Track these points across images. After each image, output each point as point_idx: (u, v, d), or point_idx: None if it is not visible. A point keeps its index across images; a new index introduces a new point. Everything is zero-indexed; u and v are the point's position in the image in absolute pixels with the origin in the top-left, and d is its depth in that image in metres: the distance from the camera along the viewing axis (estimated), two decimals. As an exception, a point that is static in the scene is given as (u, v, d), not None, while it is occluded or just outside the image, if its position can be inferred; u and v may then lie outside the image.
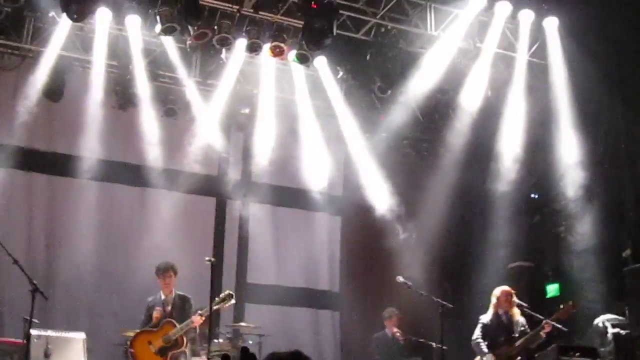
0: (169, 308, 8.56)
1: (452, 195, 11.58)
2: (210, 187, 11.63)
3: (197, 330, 8.50)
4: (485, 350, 8.74)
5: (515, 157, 11.24)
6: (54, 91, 10.42)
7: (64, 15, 9.32)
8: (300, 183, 11.81)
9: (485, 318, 8.89)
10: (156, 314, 8.45)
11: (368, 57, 10.62)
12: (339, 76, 11.26)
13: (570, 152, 10.78)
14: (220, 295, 8.15)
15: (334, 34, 9.51)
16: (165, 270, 8.62)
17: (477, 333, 8.87)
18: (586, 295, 10.04)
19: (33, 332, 8.23)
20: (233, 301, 8.24)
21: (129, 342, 8.53)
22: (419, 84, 11.08)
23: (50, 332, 8.94)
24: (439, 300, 8.80)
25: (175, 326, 8.30)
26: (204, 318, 8.24)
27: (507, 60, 10.90)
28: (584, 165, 10.58)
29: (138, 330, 8.48)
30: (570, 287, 10.84)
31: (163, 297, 8.64)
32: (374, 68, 10.66)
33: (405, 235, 11.36)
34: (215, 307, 8.05)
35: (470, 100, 11.29)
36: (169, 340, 8.27)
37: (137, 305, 9.94)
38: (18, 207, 10.58)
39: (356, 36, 10.47)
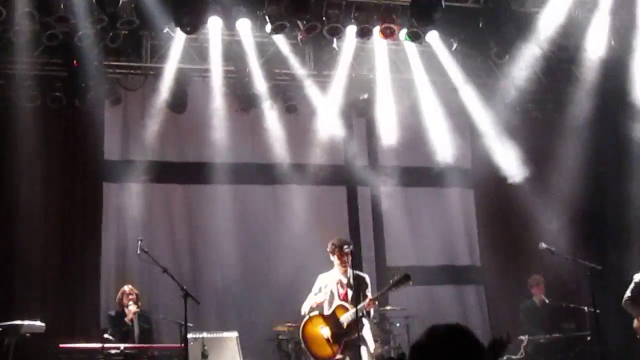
0: (344, 289, 8.20)
1: (585, 153, 11.19)
2: (339, 176, 11.70)
3: (372, 314, 8.19)
4: (637, 308, 8.41)
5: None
6: (178, 103, 10.80)
7: (178, 29, 9.66)
8: (428, 161, 11.69)
9: (639, 276, 8.56)
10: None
11: (481, 24, 10.39)
12: (453, 48, 11.06)
13: None
14: (396, 277, 7.90)
15: (443, 6, 9.38)
16: (345, 243, 8.27)
17: (628, 293, 8.54)
18: None
19: (189, 335, 8.59)
20: (411, 283, 7.86)
21: (300, 328, 8.26)
22: (537, 45, 10.77)
23: (205, 334, 9.30)
24: (586, 262, 8.55)
25: (347, 310, 8.02)
26: (375, 302, 7.98)
27: (628, 4, 10.39)
28: None
29: (311, 314, 8.22)
30: None
31: (338, 276, 8.27)
32: (488, 34, 10.44)
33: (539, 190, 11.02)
34: (392, 290, 7.85)
35: (593, 53, 10.86)
36: (341, 326, 8.02)
37: (284, 299, 10.21)
38: (159, 219, 11.01)
39: (466, 5, 10.28)
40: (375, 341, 8.85)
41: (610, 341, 8.98)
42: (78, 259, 10.32)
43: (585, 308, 9.40)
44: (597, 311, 8.57)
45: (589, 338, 9.66)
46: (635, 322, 8.48)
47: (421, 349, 2.36)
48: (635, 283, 8.55)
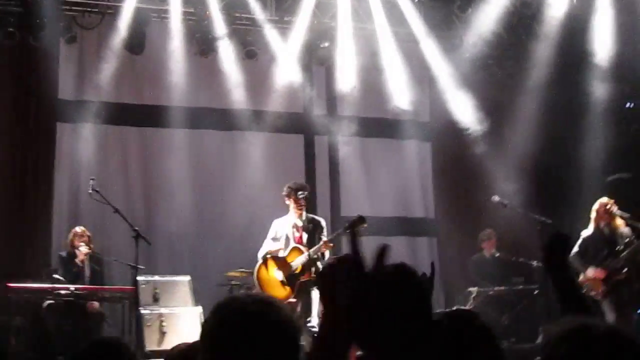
0: (300, 233, 8.26)
1: (542, 111, 11.28)
2: (297, 124, 11.66)
3: (326, 257, 8.19)
4: (584, 264, 8.58)
5: (606, 66, 10.84)
6: (136, 44, 10.57)
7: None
8: (387, 112, 11.70)
9: (586, 232, 8.71)
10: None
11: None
12: (416, 0, 11.00)
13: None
14: (350, 220, 7.88)
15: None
16: (301, 188, 8.29)
17: (575, 249, 8.68)
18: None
19: (139, 278, 8.58)
20: (365, 225, 7.83)
21: (255, 270, 8.33)
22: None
23: (156, 277, 9.30)
24: (537, 216, 8.67)
25: (302, 253, 8.07)
26: (330, 245, 8.03)
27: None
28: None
29: (266, 257, 8.26)
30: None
31: (294, 220, 8.31)
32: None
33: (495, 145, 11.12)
34: (346, 233, 7.78)
35: (554, 12, 10.89)
36: (296, 268, 8.07)
37: (238, 245, 10.23)
38: (113, 161, 10.89)
39: (431, -44, 10.21)
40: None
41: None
42: (30, 199, 10.17)
43: (534, 262, 9.57)
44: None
45: (536, 292, 9.86)
46: (581, 277, 8.66)
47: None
48: (583, 239, 8.71)
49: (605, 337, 1.81)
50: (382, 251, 1.89)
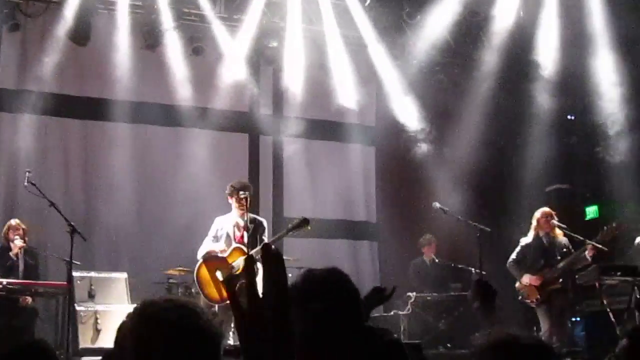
0: (241, 232, 8.14)
1: (486, 119, 11.46)
2: (242, 123, 11.61)
3: None
4: (520, 271, 8.72)
5: (549, 79, 11.06)
6: (81, 35, 10.37)
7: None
8: (333, 115, 11.75)
9: (525, 240, 8.85)
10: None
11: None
12: (366, 4, 11.05)
13: (606, 73, 10.60)
14: (294, 222, 7.75)
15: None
16: (244, 188, 8.13)
17: (513, 256, 8.85)
18: (626, 215, 9.94)
19: (75, 274, 8.44)
20: (309, 227, 7.68)
21: (195, 270, 8.17)
22: (449, 8, 10.88)
23: (93, 273, 9.15)
24: (476, 224, 8.79)
25: (244, 253, 7.95)
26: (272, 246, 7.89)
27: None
28: (621, 85, 10.41)
29: (207, 256, 8.13)
30: (610, 208, 10.74)
31: (236, 218, 8.19)
32: (401, -7, 10.46)
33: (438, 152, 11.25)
34: (290, 234, 7.74)
35: (502, 23, 11.06)
36: (237, 269, 7.89)
37: (178, 243, 10.12)
38: (53, 153, 10.68)
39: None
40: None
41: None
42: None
43: (472, 269, 9.69)
44: (484, 272, 8.84)
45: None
46: (517, 284, 8.80)
47: (297, 291, 2.34)
48: (522, 246, 8.86)
49: (530, 348, 1.87)
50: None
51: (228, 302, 7.72)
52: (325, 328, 2.26)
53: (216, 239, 8.19)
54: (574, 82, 11.09)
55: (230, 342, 7.44)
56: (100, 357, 7.71)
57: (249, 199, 8.11)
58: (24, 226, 8.89)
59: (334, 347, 2.27)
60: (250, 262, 1.94)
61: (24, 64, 10.60)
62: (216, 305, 8.02)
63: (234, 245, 8.08)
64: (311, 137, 11.83)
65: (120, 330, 2.01)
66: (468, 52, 11.72)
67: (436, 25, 11.12)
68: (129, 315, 1.99)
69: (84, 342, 8.69)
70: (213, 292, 8.02)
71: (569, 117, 11.92)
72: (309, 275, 2.40)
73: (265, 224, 8.29)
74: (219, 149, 11.23)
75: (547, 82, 11.03)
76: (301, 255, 10.16)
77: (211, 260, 8.12)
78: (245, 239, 8.09)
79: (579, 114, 11.67)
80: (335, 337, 2.28)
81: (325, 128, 11.95)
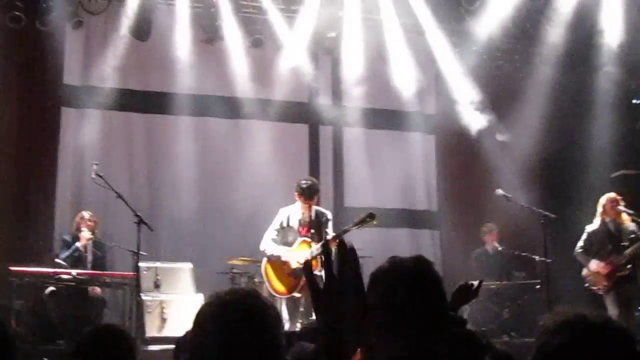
0: (307, 227, 8.10)
1: (548, 105, 11.25)
2: (302, 113, 11.66)
3: (333, 252, 8.08)
4: (588, 258, 8.57)
5: (614, 62, 10.80)
6: (142, 30, 10.56)
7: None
8: (392, 104, 11.69)
9: (591, 227, 8.69)
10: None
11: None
12: (425, -9, 10.99)
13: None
14: (360, 216, 7.70)
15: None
16: (314, 193, 8.06)
17: (580, 243, 8.69)
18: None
19: (141, 264, 8.59)
20: (375, 222, 7.66)
21: (263, 261, 8.18)
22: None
23: (158, 264, 9.31)
24: (540, 210, 8.66)
25: (310, 246, 7.94)
26: (337, 240, 7.89)
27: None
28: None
29: (270, 257, 8.14)
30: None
31: (301, 213, 8.12)
32: (460, -21, 10.35)
33: (501, 137, 11.09)
34: (355, 229, 7.68)
35: (563, 5, 10.85)
36: (303, 262, 7.80)
37: (240, 234, 10.23)
38: (118, 147, 10.90)
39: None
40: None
41: (560, 289, 9.15)
42: (33, 184, 10.17)
43: (537, 257, 9.55)
44: (549, 260, 8.71)
45: (538, 286, 9.84)
46: (585, 271, 8.65)
47: (384, 278, 2.34)
48: (588, 233, 8.70)
49: (599, 327, 1.83)
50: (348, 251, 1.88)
51: (294, 294, 7.86)
52: (410, 316, 2.26)
53: (282, 230, 8.17)
54: (637, 64, 10.81)
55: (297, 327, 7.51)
56: (166, 346, 7.90)
57: (314, 203, 8.11)
58: (95, 219, 9.10)
59: (417, 335, 2.26)
60: (325, 247, 2.03)
61: (87, 61, 10.82)
62: (279, 297, 8.08)
63: (300, 239, 8.09)
64: (371, 126, 11.79)
65: (199, 316, 2.14)
66: (529, 37, 11.51)
67: (496, 10, 10.96)
68: (208, 303, 2.14)
69: (151, 331, 8.85)
70: (279, 285, 8.07)
71: (634, 100, 11.63)
72: (396, 262, 2.40)
73: (329, 215, 8.27)
74: (280, 139, 11.30)
75: (613, 65, 10.77)
76: (362, 245, 10.12)
77: (276, 261, 8.15)
78: (311, 233, 8.09)
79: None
80: (419, 326, 2.27)
81: (385, 117, 11.90)
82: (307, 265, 2.00)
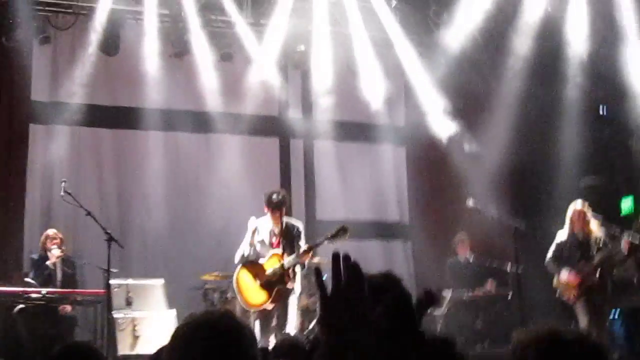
0: (277, 239, 8.11)
1: (517, 115, 11.36)
2: (272, 127, 11.66)
3: (306, 266, 8.13)
4: (558, 267, 8.64)
5: (579, 72, 10.95)
6: (110, 45, 10.49)
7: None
8: (362, 116, 11.75)
9: (561, 236, 8.76)
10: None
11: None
12: (393, 5, 11.04)
13: (637, 64, 10.49)
14: (333, 230, 7.74)
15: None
16: (282, 204, 8.03)
17: (550, 252, 8.77)
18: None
19: (112, 281, 8.50)
20: (347, 236, 7.72)
21: (235, 274, 8.13)
22: (476, 5, 10.83)
23: (129, 281, 9.22)
24: (511, 221, 8.71)
25: (282, 259, 7.94)
26: (310, 253, 7.91)
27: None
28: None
29: (243, 261, 8.10)
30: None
31: (271, 225, 8.11)
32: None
33: (469, 149, 11.18)
34: (328, 242, 7.71)
35: (530, 17, 10.97)
36: (274, 274, 7.94)
37: (212, 248, 10.20)
38: (87, 163, 10.82)
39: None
40: (301, 293, 8.93)
41: (531, 299, 9.21)
42: (1, 201, 10.04)
43: (508, 267, 9.61)
44: (519, 270, 8.76)
45: (510, 296, 9.90)
46: (555, 281, 8.72)
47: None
48: (557, 243, 8.76)
49: (574, 342, 1.84)
50: (346, 262, 1.84)
51: (265, 306, 7.83)
52: (384, 333, 2.24)
53: (252, 246, 8.14)
54: (605, 74, 10.96)
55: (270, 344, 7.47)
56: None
57: (283, 213, 8.11)
58: (60, 235, 9.00)
59: (392, 352, 2.25)
60: (318, 273, 1.97)
61: (55, 76, 10.75)
62: (252, 310, 8.05)
63: (272, 251, 8.08)
64: (341, 139, 11.82)
65: (174, 337, 2.15)
66: (496, 48, 11.63)
67: (463, 22, 11.06)
68: (183, 324, 2.17)
69: (123, 349, 8.76)
70: (251, 297, 8.03)
71: (600, 109, 11.79)
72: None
73: (301, 227, 8.28)
74: (250, 153, 11.29)
75: (578, 75, 10.91)
76: (335, 257, 10.16)
77: (249, 265, 8.13)
78: (282, 245, 8.08)
79: (611, 106, 11.53)
80: (393, 342, 2.26)
81: (355, 129, 11.94)
82: (317, 270, 1.98)
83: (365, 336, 1.78)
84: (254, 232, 8.11)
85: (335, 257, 1.81)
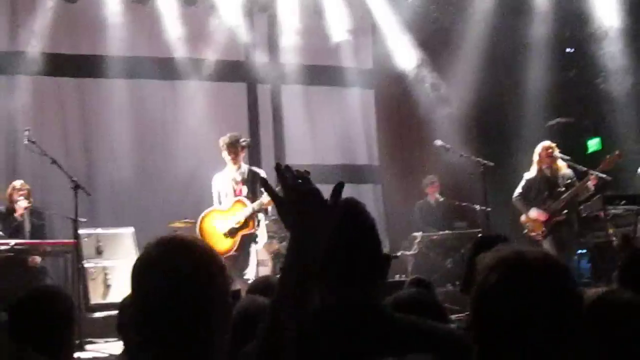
0: (239, 186, 8.01)
1: (484, 56, 11.35)
2: (239, 72, 11.52)
3: (269, 212, 8.09)
4: (526, 205, 8.73)
5: (546, 11, 10.92)
6: (71, -9, 10.26)
7: None
8: (329, 60, 11.66)
9: (529, 175, 8.84)
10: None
11: None
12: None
13: (603, 2, 10.50)
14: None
15: None
16: (237, 145, 7.93)
17: (518, 190, 8.85)
18: (629, 146, 9.91)
19: (82, 231, 8.44)
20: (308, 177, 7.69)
21: (198, 223, 8.10)
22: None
23: (99, 230, 9.17)
24: (479, 159, 8.76)
25: (245, 205, 7.86)
26: (270, 201, 7.61)
27: None
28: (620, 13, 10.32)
29: (206, 211, 8.10)
30: (612, 140, 10.71)
31: (232, 174, 8.05)
32: None
33: (437, 92, 11.19)
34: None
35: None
36: (238, 221, 7.88)
37: (181, 196, 10.16)
38: (51, 113, 10.64)
39: None
40: (272, 237, 8.93)
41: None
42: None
43: (477, 206, 9.70)
44: (488, 209, 8.84)
45: (479, 235, 10.00)
46: (523, 217, 8.82)
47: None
48: (525, 180, 8.85)
49: (534, 262, 1.85)
50: (339, 187, 1.93)
51: (230, 253, 7.83)
52: (342, 262, 2.21)
53: (221, 203, 8.11)
54: (571, 13, 10.96)
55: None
56: (111, 312, 7.84)
57: (243, 148, 8.04)
58: (27, 186, 8.88)
59: (350, 284, 2.22)
60: (265, 182, 2.14)
61: (14, 25, 10.48)
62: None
63: (234, 199, 8.04)
64: (309, 83, 11.73)
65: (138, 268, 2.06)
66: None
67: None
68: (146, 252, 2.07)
69: (95, 299, 8.77)
70: (215, 244, 7.99)
71: (567, 50, 11.79)
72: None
73: (263, 174, 8.20)
74: (217, 99, 11.17)
75: (544, 14, 10.90)
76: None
77: (212, 212, 8.11)
78: (244, 192, 8.04)
79: (578, 46, 11.55)
80: (351, 273, 2.23)
81: (323, 73, 11.85)
82: (264, 180, 2.01)
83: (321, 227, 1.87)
84: (219, 193, 8.10)
85: (277, 166, 1.93)
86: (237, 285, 7.35)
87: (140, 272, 2.02)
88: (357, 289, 2.19)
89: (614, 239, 8.57)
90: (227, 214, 7.99)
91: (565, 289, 1.84)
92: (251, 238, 7.96)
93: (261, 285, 3.89)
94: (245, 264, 7.91)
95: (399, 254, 9.95)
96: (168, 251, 2.03)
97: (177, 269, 1.98)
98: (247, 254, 7.94)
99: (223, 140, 8.01)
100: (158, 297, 1.97)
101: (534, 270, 1.83)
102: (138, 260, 2.05)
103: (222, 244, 7.89)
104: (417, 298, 3.07)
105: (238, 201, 7.98)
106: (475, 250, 3.31)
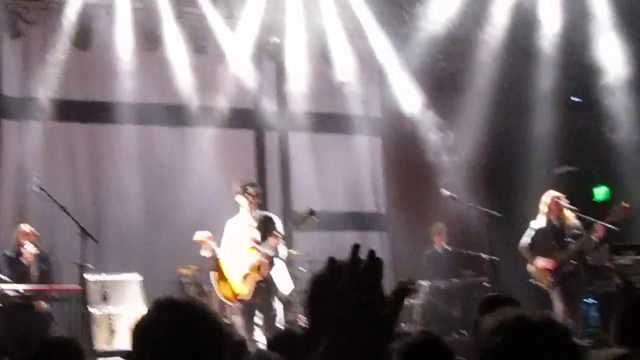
0: (253, 230, 8.03)
1: (491, 104, 11.42)
2: (247, 120, 11.62)
3: (281, 253, 8.04)
4: (533, 254, 8.71)
5: (553, 61, 11.02)
6: (82, 39, 10.43)
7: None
8: (337, 108, 11.75)
9: (536, 224, 8.82)
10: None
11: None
12: (366, -5, 11.07)
13: (611, 53, 10.59)
14: (299, 214, 7.78)
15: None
16: (254, 188, 8.02)
17: (526, 240, 8.82)
18: (637, 195, 9.90)
19: (88, 276, 8.44)
20: (315, 218, 7.71)
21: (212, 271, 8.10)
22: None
23: (105, 276, 9.16)
24: (486, 209, 8.76)
25: (259, 252, 7.88)
26: (278, 237, 7.83)
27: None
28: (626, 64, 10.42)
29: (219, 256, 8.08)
30: (619, 189, 10.71)
31: (247, 218, 8.06)
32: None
33: (445, 140, 11.24)
34: (296, 227, 7.66)
35: (502, 6, 11.02)
36: (251, 267, 7.86)
37: (188, 242, 10.09)
38: (60, 159, 10.72)
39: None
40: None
41: (507, 286, 9.27)
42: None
43: (484, 255, 9.67)
44: (495, 258, 8.82)
45: (486, 284, 9.96)
46: (529, 267, 8.79)
47: (323, 280, 2.30)
48: (534, 231, 8.82)
49: (539, 326, 1.87)
50: (356, 250, 1.75)
51: (244, 299, 7.79)
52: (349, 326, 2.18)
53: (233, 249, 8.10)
54: (578, 63, 11.05)
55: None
56: (115, 359, 7.80)
57: (259, 195, 8.09)
58: (35, 232, 8.90)
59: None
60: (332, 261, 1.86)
61: (27, 71, 10.61)
62: (231, 304, 8.04)
63: (250, 244, 8.02)
64: (317, 130, 11.82)
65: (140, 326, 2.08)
66: (469, 38, 11.67)
67: (436, 13, 11.09)
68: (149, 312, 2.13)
69: (100, 345, 8.72)
70: (229, 290, 7.99)
71: (573, 98, 11.87)
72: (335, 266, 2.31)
73: (276, 219, 8.25)
74: (225, 146, 11.23)
75: (551, 64, 10.99)
76: (312, 249, 10.16)
77: (224, 257, 8.09)
78: (259, 238, 8.04)
79: (585, 95, 11.62)
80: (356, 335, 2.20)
81: (331, 121, 11.94)
82: (331, 259, 1.87)
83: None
84: (230, 236, 8.12)
85: (355, 246, 1.72)
86: (256, 337, 7.31)
87: (142, 334, 2.02)
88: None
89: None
90: (241, 259, 7.96)
91: (565, 351, 1.87)
92: (269, 285, 7.91)
93: (282, 339, 3.86)
94: (269, 309, 7.85)
95: (406, 302, 9.89)
96: (172, 318, 2.06)
97: (179, 337, 2.02)
98: (270, 304, 7.88)
99: (242, 184, 8.02)
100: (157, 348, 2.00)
101: (535, 333, 1.85)
102: (141, 320, 2.09)
103: (237, 290, 7.87)
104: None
105: (252, 247, 7.96)
106: (480, 311, 3.33)
